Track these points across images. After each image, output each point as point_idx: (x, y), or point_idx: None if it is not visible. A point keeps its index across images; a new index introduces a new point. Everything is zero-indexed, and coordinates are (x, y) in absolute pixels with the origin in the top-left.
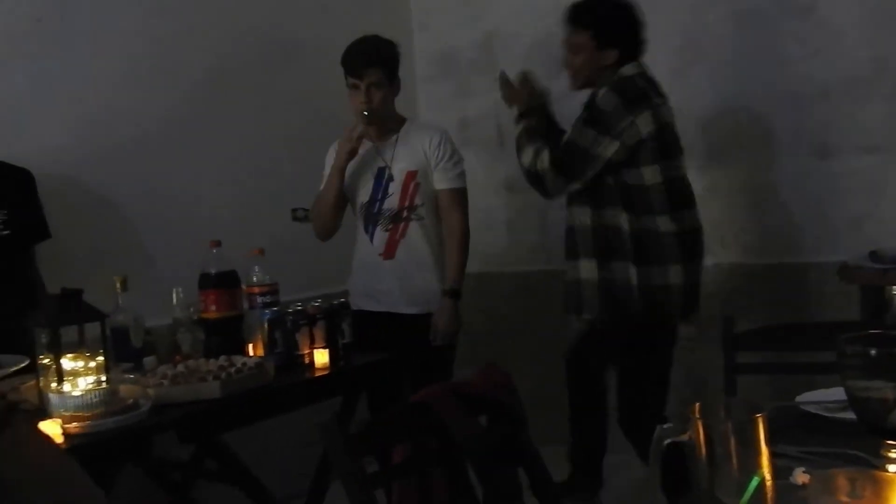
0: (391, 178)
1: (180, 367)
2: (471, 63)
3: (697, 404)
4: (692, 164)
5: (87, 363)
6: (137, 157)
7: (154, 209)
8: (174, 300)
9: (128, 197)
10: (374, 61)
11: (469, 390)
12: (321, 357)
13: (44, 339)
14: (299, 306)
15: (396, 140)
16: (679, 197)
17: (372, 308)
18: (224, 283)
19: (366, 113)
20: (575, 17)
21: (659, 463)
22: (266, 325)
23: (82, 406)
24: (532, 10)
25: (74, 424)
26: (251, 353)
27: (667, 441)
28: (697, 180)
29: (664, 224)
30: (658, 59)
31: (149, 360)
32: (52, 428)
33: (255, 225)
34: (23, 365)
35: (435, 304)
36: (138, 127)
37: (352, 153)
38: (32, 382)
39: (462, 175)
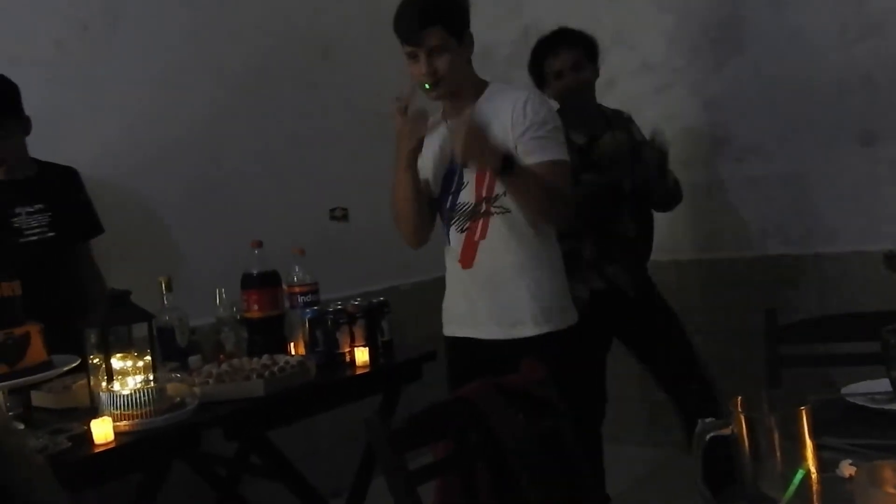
0: (464, 164)
1: (224, 366)
2: (508, 59)
3: (740, 397)
4: (732, 155)
5: (135, 363)
6: (181, 158)
7: (197, 210)
8: (217, 300)
9: (172, 198)
10: (433, 19)
11: (511, 386)
12: (361, 355)
13: (93, 339)
14: (339, 305)
15: (471, 113)
16: None
17: (455, 333)
18: (266, 282)
19: (428, 87)
20: None
21: (701, 456)
22: (307, 324)
23: (132, 405)
24: (567, 4)
25: (125, 423)
26: (293, 351)
27: (709, 435)
28: (738, 171)
29: None
30: (699, 51)
31: (194, 359)
32: (103, 426)
33: (296, 225)
34: (74, 365)
35: (531, 324)
36: (181, 129)
37: (415, 150)
38: (83, 382)
39: (561, 145)
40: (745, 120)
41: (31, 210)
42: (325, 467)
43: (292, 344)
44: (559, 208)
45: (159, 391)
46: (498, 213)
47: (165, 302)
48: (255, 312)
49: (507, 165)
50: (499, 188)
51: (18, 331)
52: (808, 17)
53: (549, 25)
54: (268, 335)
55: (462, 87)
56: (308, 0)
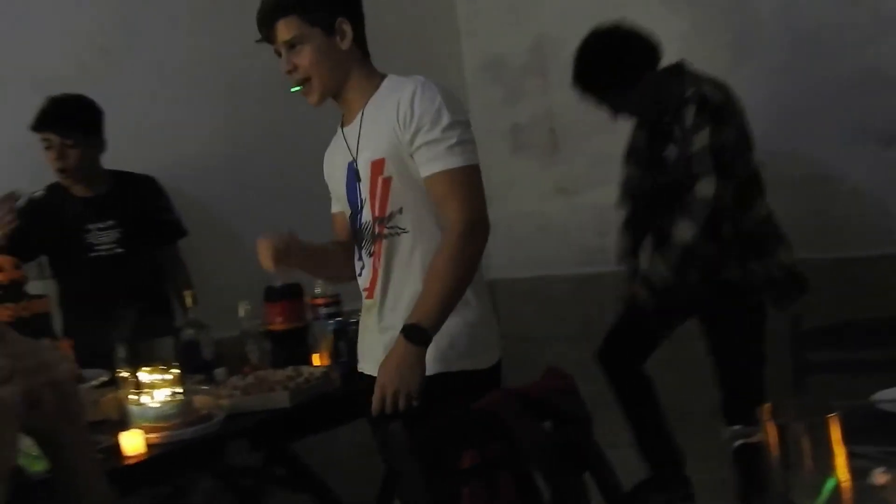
0: (359, 178)
1: (250, 378)
2: (520, 68)
3: (768, 405)
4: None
5: (162, 376)
6: (201, 175)
7: (218, 225)
8: (241, 313)
9: (193, 214)
10: (286, 8)
11: (532, 395)
12: None
13: (121, 353)
14: None
15: (363, 116)
16: None
17: (363, 369)
18: (288, 295)
19: (298, 88)
20: None
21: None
22: (331, 336)
23: (160, 417)
24: (581, 12)
25: (154, 435)
26: (317, 362)
27: (738, 442)
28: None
29: None
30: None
31: (219, 372)
32: (133, 438)
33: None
34: (103, 379)
35: (452, 361)
36: (200, 145)
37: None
38: (111, 395)
39: (461, 146)
40: (765, 121)
41: (102, 227)
42: (349, 478)
43: (316, 355)
44: (473, 257)
45: (187, 404)
46: (392, 235)
47: (190, 316)
48: (278, 325)
49: (415, 335)
50: (392, 204)
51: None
52: (825, 15)
53: (562, 33)
54: (291, 347)
55: (347, 87)
56: None
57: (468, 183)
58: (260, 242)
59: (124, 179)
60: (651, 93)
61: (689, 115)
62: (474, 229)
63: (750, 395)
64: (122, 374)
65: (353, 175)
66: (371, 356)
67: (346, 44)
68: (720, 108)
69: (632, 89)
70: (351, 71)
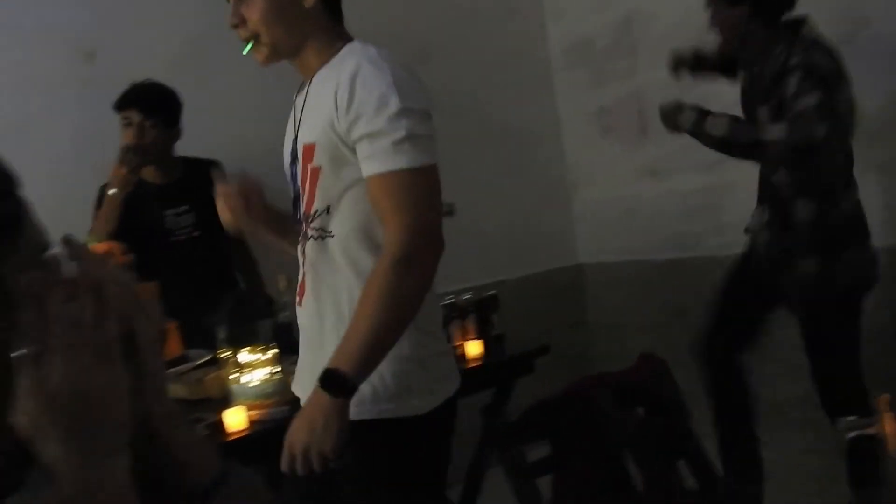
0: (297, 159)
1: None
2: (607, 49)
3: (885, 396)
4: (857, 141)
5: (261, 356)
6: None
7: None
8: None
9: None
10: None
11: (624, 381)
12: (474, 348)
13: (222, 334)
14: (450, 299)
15: (309, 87)
16: None
17: (295, 390)
18: None
19: (248, 47)
20: None
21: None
22: None
23: (260, 395)
24: None
25: (254, 412)
26: None
27: (853, 434)
28: (865, 158)
29: None
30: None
31: None
32: (236, 415)
33: None
34: (206, 359)
35: (368, 407)
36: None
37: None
38: (214, 374)
39: (411, 141)
40: (870, 102)
41: (178, 212)
42: None
43: None
44: (414, 288)
45: (284, 382)
46: (314, 239)
47: (284, 299)
48: None
49: (333, 383)
50: (318, 201)
51: None
52: None
53: (653, 8)
54: None
55: (304, 50)
56: (403, 1)
57: (415, 190)
58: (220, 189)
59: (193, 164)
60: (763, 42)
61: (793, 82)
62: (418, 252)
63: (848, 385)
64: (223, 355)
65: (293, 156)
66: (300, 378)
67: (309, 1)
68: (829, 75)
69: (763, 28)
70: (311, 33)
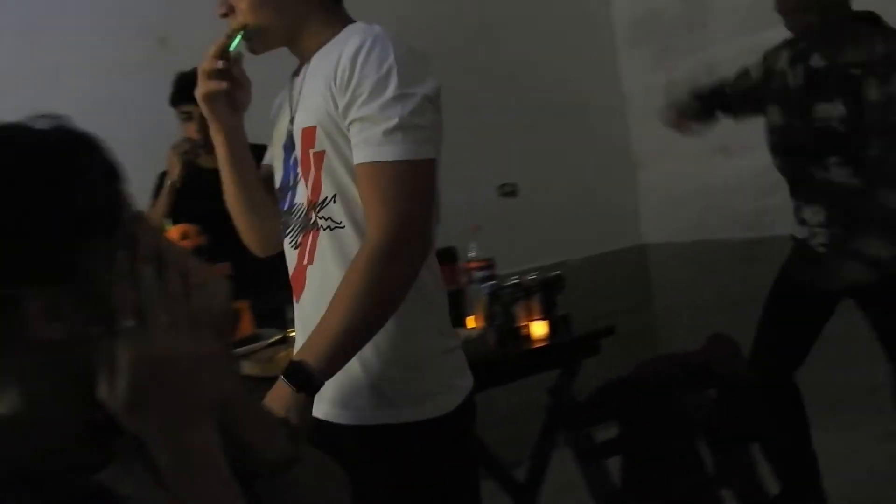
0: (293, 145)
1: None
2: (675, 21)
3: None
4: None
5: None
6: None
7: None
8: None
9: None
10: None
11: (695, 362)
12: (539, 328)
13: (291, 314)
14: (515, 280)
15: (307, 68)
16: None
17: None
18: (443, 259)
19: (240, 36)
20: None
21: None
22: (485, 299)
23: None
24: None
25: None
26: (471, 325)
27: None
28: None
29: None
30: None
31: None
32: None
33: (470, 202)
34: (277, 338)
35: (367, 406)
36: None
37: (209, 99)
38: (285, 353)
39: (404, 131)
40: None
41: None
42: (503, 439)
43: (470, 318)
44: (395, 282)
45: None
46: (325, 229)
47: None
48: None
49: (296, 376)
50: (326, 188)
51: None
52: None
53: None
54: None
55: (301, 34)
56: None
57: (403, 183)
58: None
59: (254, 150)
60: (846, 32)
61: None
62: (400, 247)
63: None
64: (292, 334)
65: (289, 141)
66: None
67: None
68: None
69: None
70: (307, 16)
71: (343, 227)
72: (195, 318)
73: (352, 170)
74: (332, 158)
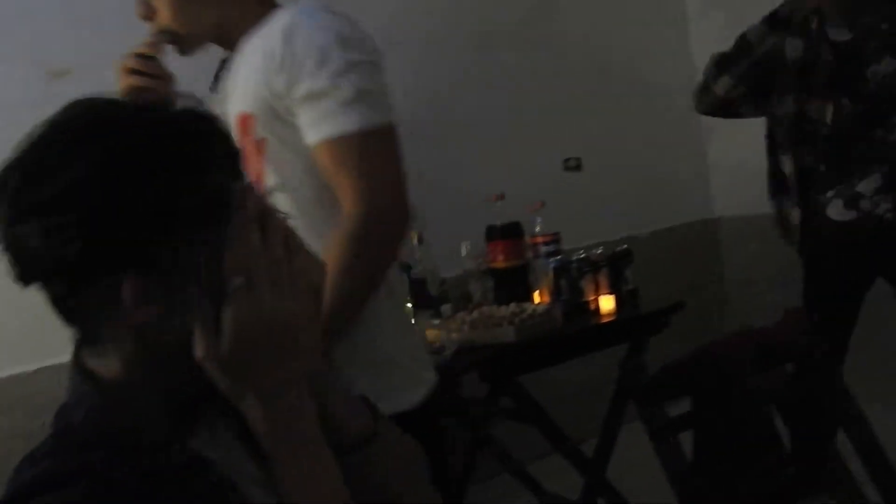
0: None
1: (476, 314)
2: None
3: None
4: None
5: None
6: (424, 121)
7: (441, 168)
8: (463, 252)
9: (418, 158)
10: None
11: (772, 338)
12: (607, 303)
13: None
14: (582, 254)
15: (237, 59)
16: None
17: None
18: (509, 234)
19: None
20: None
21: None
22: (551, 274)
23: None
24: None
25: None
26: (538, 300)
27: None
28: None
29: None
30: None
31: (445, 308)
32: None
33: (534, 176)
34: None
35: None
36: (418, 89)
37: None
38: None
39: (361, 100)
40: None
41: None
42: (571, 414)
43: (537, 293)
44: (375, 263)
45: (420, 336)
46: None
47: (417, 255)
48: (500, 263)
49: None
50: (269, 177)
51: None
52: None
53: None
54: (513, 284)
55: (223, 26)
56: None
57: (371, 154)
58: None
59: None
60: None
61: None
62: (380, 223)
63: None
64: None
65: None
66: None
67: None
68: None
69: None
70: (230, 9)
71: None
72: (296, 282)
73: (296, 157)
74: (274, 146)
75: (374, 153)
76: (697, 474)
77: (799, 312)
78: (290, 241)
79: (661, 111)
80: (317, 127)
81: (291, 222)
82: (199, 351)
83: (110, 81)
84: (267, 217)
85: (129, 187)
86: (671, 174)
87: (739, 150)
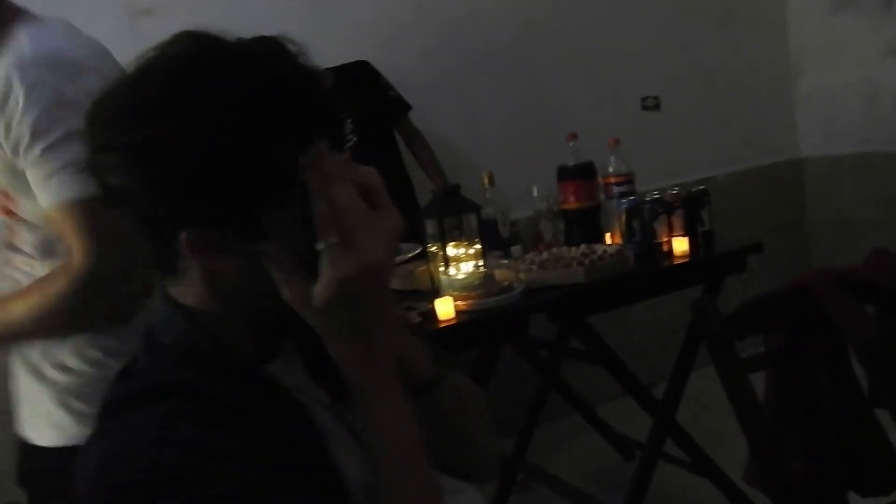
0: None
1: (545, 255)
2: None
3: None
4: None
5: (466, 250)
6: (495, 60)
7: (513, 107)
8: (534, 192)
9: (489, 98)
10: None
11: (856, 277)
12: (680, 245)
13: (430, 229)
14: (656, 195)
15: None
16: None
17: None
18: (581, 174)
19: None
20: None
21: None
22: (624, 215)
23: (466, 287)
24: None
25: (462, 303)
26: (609, 241)
27: None
28: None
29: None
30: None
31: (515, 249)
32: (446, 304)
33: (609, 116)
34: (416, 252)
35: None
36: (493, 31)
37: None
38: (424, 267)
39: (61, 172)
40: None
41: None
42: (641, 356)
43: (609, 234)
44: (69, 314)
45: (489, 276)
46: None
47: (488, 195)
48: (571, 203)
49: None
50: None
51: None
52: None
53: None
54: (584, 226)
55: None
56: None
57: (78, 223)
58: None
59: (340, 71)
60: None
61: None
62: (91, 285)
63: None
64: (431, 249)
65: None
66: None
67: None
68: None
69: None
70: None
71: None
72: (382, 233)
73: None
74: (18, 197)
75: (78, 225)
76: (770, 415)
77: (886, 253)
78: (374, 195)
79: (746, 43)
80: (44, 189)
81: (375, 177)
82: (287, 296)
83: (191, 20)
84: (349, 172)
85: (210, 144)
86: (756, 112)
87: (830, 87)
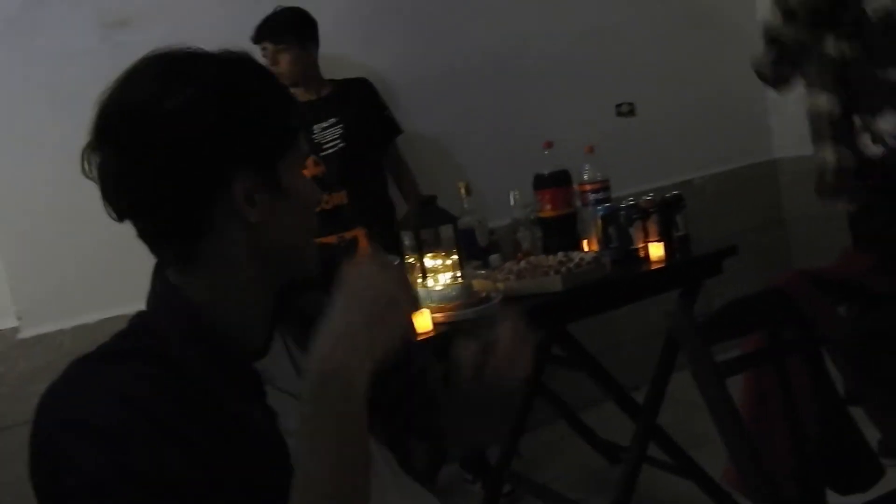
0: None
1: (523, 263)
2: None
3: None
4: None
5: (444, 261)
6: (475, 71)
7: (490, 116)
8: (511, 201)
9: (468, 109)
10: None
11: (829, 276)
12: (656, 250)
13: (407, 240)
14: (632, 201)
15: None
16: None
17: None
18: (557, 182)
19: None
20: None
21: None
22: (600, 221)
23: (444, 298)
24: None
25: (439, 314)
26: (587, 248)
27: None
28: None
29: None
30: None
31: (494, 258)
32: (423, 318)
33: (584, 123)
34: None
35: None
36: (469, 40)
37: None
38: None
39: None
40: None
41: (326, 125)
42: (623, 361)
43: (586, 241)
44: None
45: (467, 287)
46: None
47: (465, 205)
48: (548, 211)
49: None
50: None
51: (348, 234)
52: None
53: None
54: (562, 233)
55: None
56: None
57: None
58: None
59: (342, 83)
60: None
61: None
62: None
63: None
64: (409, 260)
65: None
66: None
67: None
68: None
69: None
70: None
71: None
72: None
73: None
74: None
75: None
76: (748, 418)
77: (860, 251)
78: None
79: (718, 45)
80: None
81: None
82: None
83: (166, 32)
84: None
85: (251, 91)
86: (731, 115)
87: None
